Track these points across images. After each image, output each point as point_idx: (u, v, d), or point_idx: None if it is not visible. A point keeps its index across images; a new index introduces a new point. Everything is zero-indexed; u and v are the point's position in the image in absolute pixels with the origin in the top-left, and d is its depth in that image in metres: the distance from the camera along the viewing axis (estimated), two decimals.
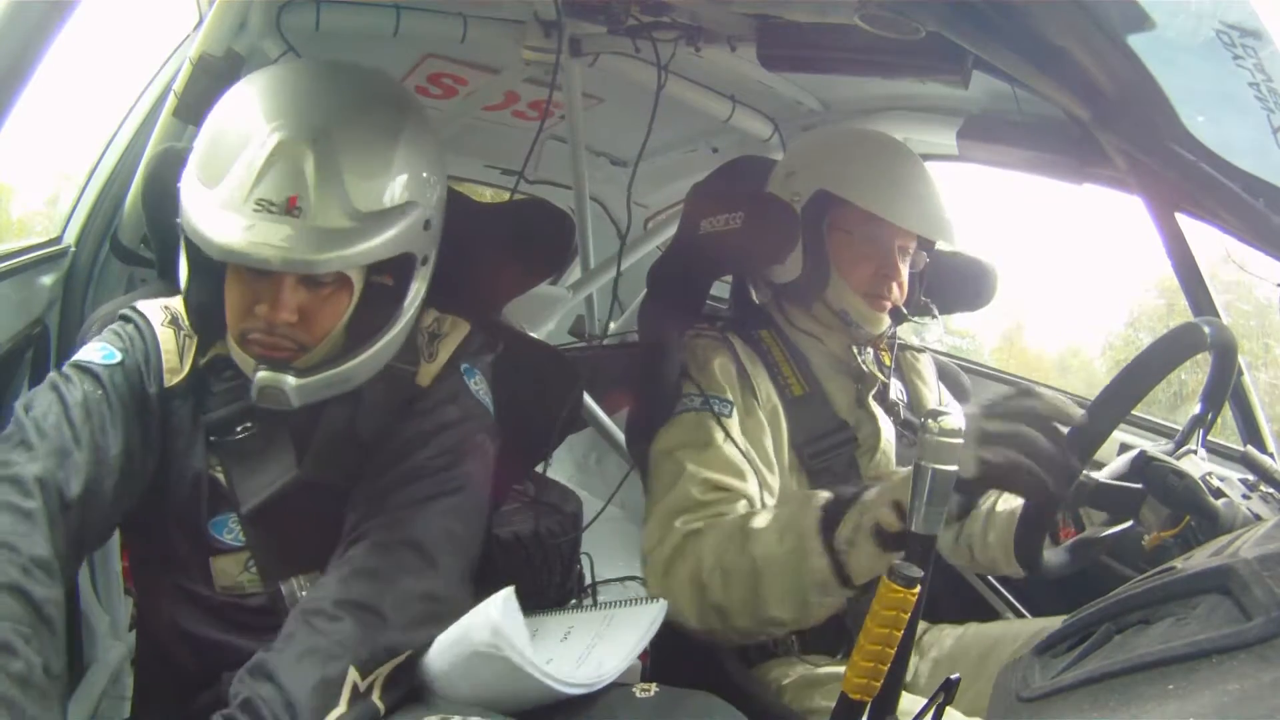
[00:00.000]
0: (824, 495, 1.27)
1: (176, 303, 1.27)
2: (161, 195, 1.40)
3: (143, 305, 1.27)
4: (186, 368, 1.23)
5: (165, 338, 1.24)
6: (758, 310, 1.69)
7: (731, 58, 1.83)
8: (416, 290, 1.23)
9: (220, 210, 1.07)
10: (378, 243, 1.11)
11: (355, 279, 1.19)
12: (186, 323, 1.25)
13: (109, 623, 1.90)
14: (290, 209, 1.07)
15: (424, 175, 1.19)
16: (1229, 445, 1.67)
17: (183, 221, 1.11)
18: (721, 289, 1.94)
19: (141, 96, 1.97)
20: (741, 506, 1.40)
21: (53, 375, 1.18)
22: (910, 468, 1.13)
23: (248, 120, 1.12)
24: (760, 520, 1.31)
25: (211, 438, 1.22)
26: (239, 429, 1.23)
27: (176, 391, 1.22)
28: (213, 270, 1.17)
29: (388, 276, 1.23)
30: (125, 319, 1.26)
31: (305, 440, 1.24)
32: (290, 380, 1.14)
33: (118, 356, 1.19)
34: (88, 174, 1.96)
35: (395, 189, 1.14)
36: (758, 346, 1.59)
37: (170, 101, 1.71)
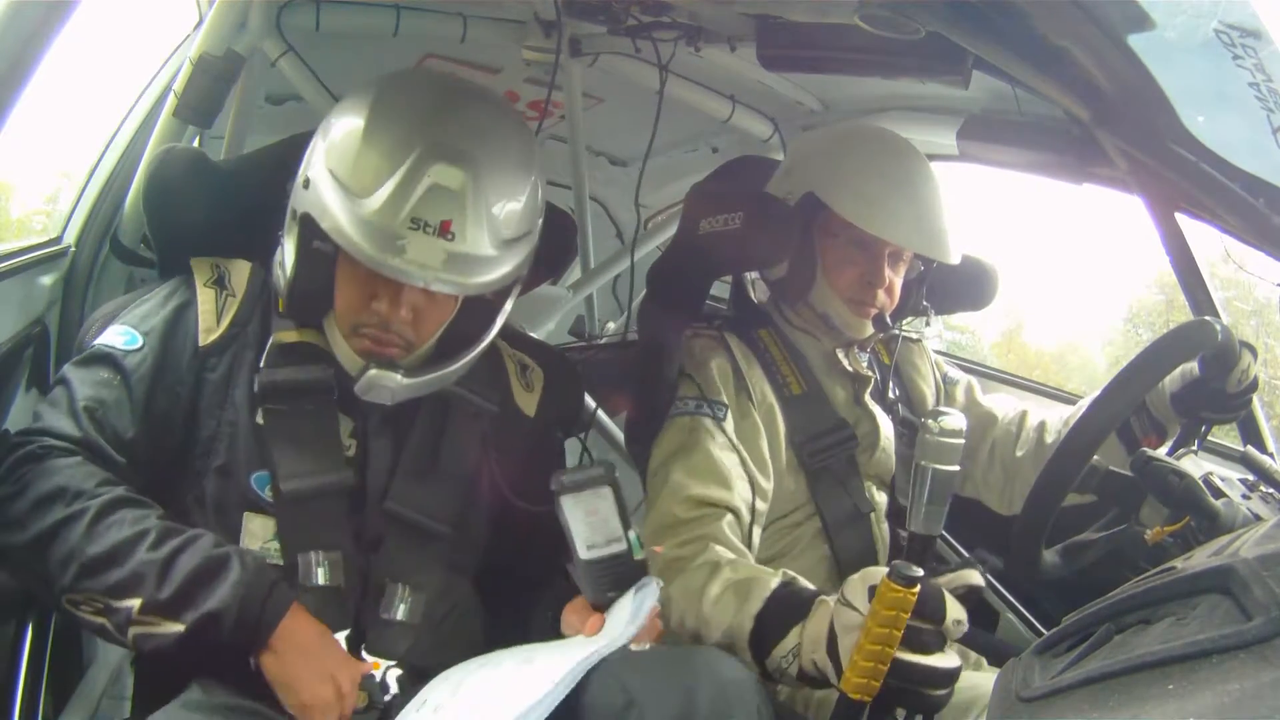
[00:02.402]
0: (758, 604, 1.27)
1: (230, 265, 1.31)
2: (163, 195, 1.40)
3: (194, 262, 1.31)
4: (223, 327, 1.26)
5: (205, 297, 1.27)
6: (757, 310, 1.69)
7: (731, 58, 1.83)
8: (508, 307, 1.32)
9: (373, 223, 1.15)
10: (510, 269, 1.23)
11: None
12: (232, 283, 1.29)
13: None
14: (444, 232, 1.15)
15: (539, 199, 1.29)
16: (1229, 445, 1.67)
17: (320, 219, 1.17)
18: (721, 289, 1.94)
19: (141, 96, 1.97)
20: (726, 523, 1.41)
21: (66, 370, 1.22)
22: (829, 616, 1.16)
23: (396, 135, 1.19)
24: (715, 589, 1.32)
25: (263, 399, 1.24)
26: (291, 404, 1.25)
27: (212, 349, 1.25)
28: (322, 263, 1.23)
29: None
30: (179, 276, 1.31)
31: (364, 440, 1.29)
32: (399, 378, 1.22)
33: (139, 341, 1.22)
34: (88, 174, 1.96)
35: (526, 217, 1.25)
36: (755, 346, 1.59)
37: (170, 101, 1.71)
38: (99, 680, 1.78)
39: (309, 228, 1.20)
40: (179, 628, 1.06)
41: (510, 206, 1.22)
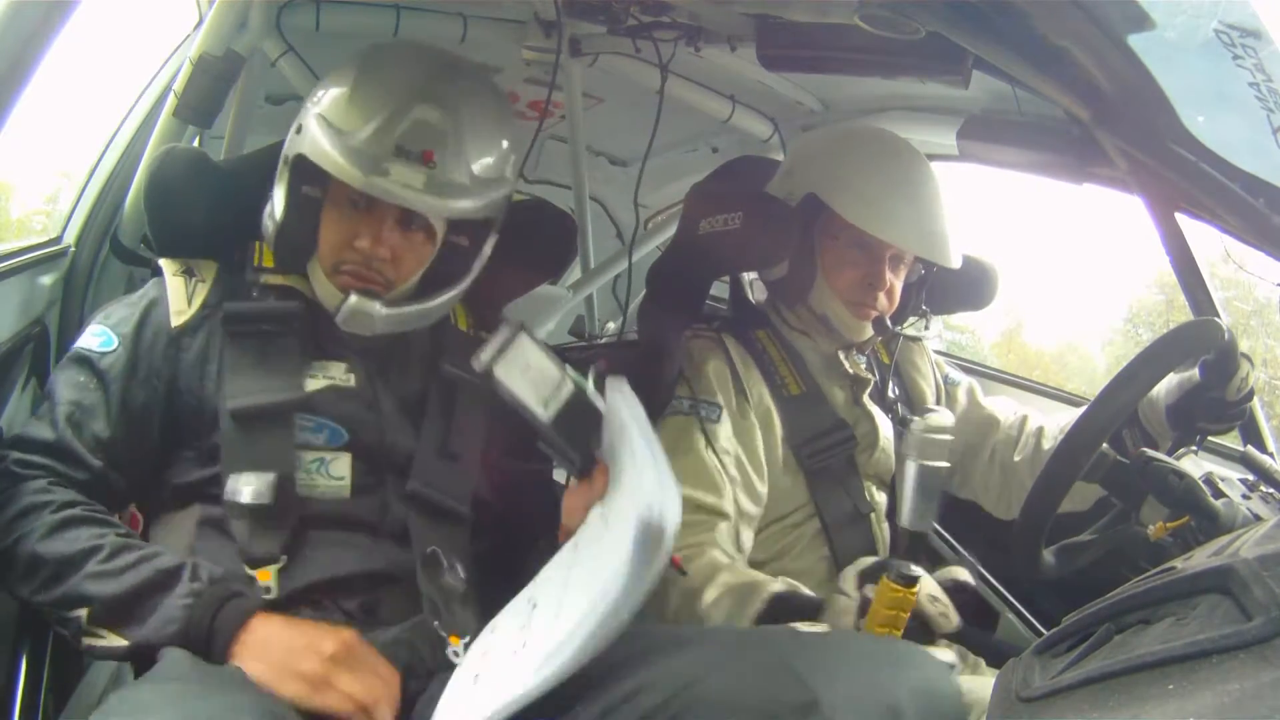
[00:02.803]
0: (757, 605, 1.26)
1: (199, 263, 1.36)
2: (164, 195, 1.40)
3: (163, 262, 1.36)
4: (194, 308, 1.30)
5: (174, 285, 1.32)
6: (755, 310, 1.69)
7: (731, 58, 1.83)
8: (485, 252, 1.38)
9: (362, 150, 1.22)
10: (484, 202, 1.29)
11: (439, 232, 1.33)
12: (201, 273, 1.34)
13: None
14: (426, 161, 1.24)
15: (513, 159, 1.37)
16: (1229, 445, 1.67)
17: (311, 153, 1.24)
18: (722, 289, 1.94)
19: (141, 96, 1.97)
20: (719, 530, 1.41)
21: (53, 373, 1.26)
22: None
23: (388, 84, 1.28)
24: (711, 592, 1.32)
25: (229, 328, 1.29)
26: (256, 334, 1.29)
27: (185, 330, 1.29)
28: (310, 209, 1.30)
29: (464, 237, 1.37)
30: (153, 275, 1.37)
31: (369, 379, 1.32)
32: (378, 307, 1.28)
33: (114, 343, 1.26)
34: (88, 174, 1.96)
35: (499, 164, 1.32)
36: (753, 347, 1.59)
37: (170, 101, 1.71)
38: (99, 680, 1.78)
39: (299, 171, 1.28)
40: (124, 641, 1.06)
41: (486, 149, 1.30)
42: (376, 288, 1.30)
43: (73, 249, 1.83)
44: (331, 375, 1.30)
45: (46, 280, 1.72)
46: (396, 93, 1.27)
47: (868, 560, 1.20)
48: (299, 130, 1.29)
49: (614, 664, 0.94)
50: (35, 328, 1.65)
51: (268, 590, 1.16)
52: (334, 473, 1.25)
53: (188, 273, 1.34)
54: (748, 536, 1.48)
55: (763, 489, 1.49)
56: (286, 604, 1.16)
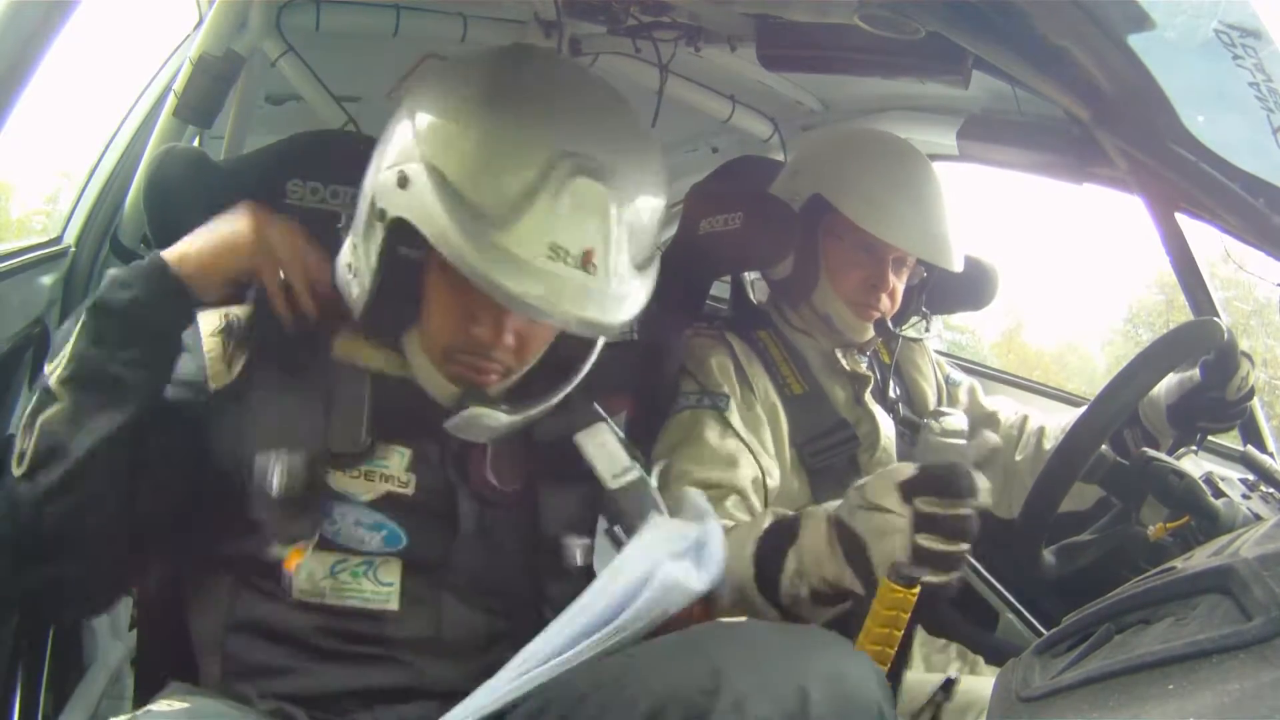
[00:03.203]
0: (752, 547, 1.22)
1: (239, 311, 1.15)
2: (164, 195, 1.40)
3: (201, 315, 1.14)
4: (235, 373, 1.11)
5: (210, 346, 1.12)
6: (756, 310, 1.69)
7: (731, 58, 1.83)
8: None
9: (508, 248, 0.96)
10: (645, 298, 1.06)
11: None
12: (242, 327, 1.13)
13: (109, 623, 1.90)
14: (586, 264, 0.98)
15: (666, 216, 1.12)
16: (1229, 445, 1.67)
17: (426, 227, 0.97)
18: (722, 289, 1.94)
19: (141, 96, 1.97)
20: (730, 503, 1.40)
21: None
22: (822, 524, 1.14)
23: (526, 135, 0.99)
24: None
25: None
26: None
27: (226, 394, 1.10)
28: (409, 271, 1.07)
29: None
30: None
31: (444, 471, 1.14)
32: (502, 416, 1.08)
33: None
34: (88, 174, 1.96)
35: (658, 238, 1.09)
36: (755, 346, 1.59)
37: (170, 101, 1.71)
38: (99, 680, 1.78)
39: (401, 233, 1.02)
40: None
41: (647, 228, 1.06)
42: (489, 381, 1.09)
43: (73, 249, 1.83)
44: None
45: (46, 280, 1.72)
46: (545, 151, 0.98)
47: (904, 468, 1.10)
48: (403, 184, 1.00)
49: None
50: (35, 328, 1.65)
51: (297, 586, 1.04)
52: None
53: (226, 332, 1.12)
54: (756, 502, 1.44)
55: (777, 473, 1.48)
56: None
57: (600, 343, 1.16)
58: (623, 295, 1.02)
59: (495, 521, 1.14)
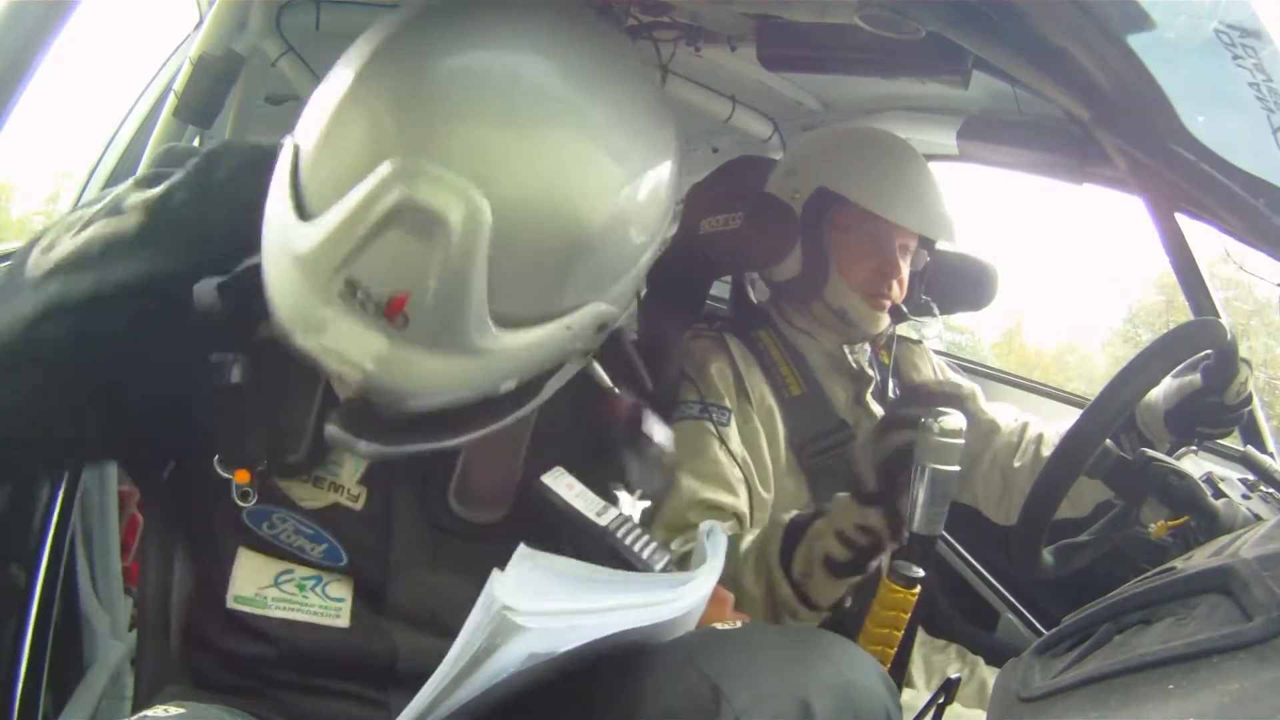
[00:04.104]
0: (785, 520, 1.29)
1: None
2: None
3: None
4: None
5: None
6: (756, 310, 1.69)
7: (731, 58, 1.83)
8: (553, 385, 0.90)
9: (300, 272, 0.74)
10: (508, 367, 0.80)
11: None
12: None
13: (109, 623, 1.90)
14: (391, 314, 0.73)
15: (626, 247, 0.83)
16: (1229, 445, 1.67)
17: (262, 241, 0.80)
18: (722, 289, 1.94)
19: (141, 96, 1.98)
20: (728, 526, 1.41)
21: None
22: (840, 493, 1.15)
23: (377, 108, 0.76)
24: (745, 542, 1.33)
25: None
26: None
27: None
28: None
29: None
30: None
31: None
32: (361, 446, 0.83)
33: None
34: (88, 174, 1.96)
35: (568, 291, 0.80)
36: (754, 347, 1.59)
37: (170, 101, 1.71)
38: (99, 680, 1.78)
39: None
40: None
41: (534, 279, 0.77)
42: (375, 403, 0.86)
43: None
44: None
45: None
46: (389, 136, 0.74)
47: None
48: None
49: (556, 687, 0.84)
50: None
51: (245, 496, 0.95)
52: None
53: None
54: (750, 524, 1.49)
55: (767, 497, 1.50)
56: None
57: (541, 395, 0.89)
58: (445, 366, 0.76)
59: (450, 553, 1.01)
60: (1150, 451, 1.27)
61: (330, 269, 0.73)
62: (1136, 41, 0.86)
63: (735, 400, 1.52)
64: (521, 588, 0.74)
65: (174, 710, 0.92)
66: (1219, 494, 1.22)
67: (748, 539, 1.34)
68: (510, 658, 0.76)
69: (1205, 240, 1.60)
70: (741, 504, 1.45)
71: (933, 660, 1.61)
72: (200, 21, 1.77)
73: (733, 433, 1.49)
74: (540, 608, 0.75)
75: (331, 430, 0.83)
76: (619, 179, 0.79)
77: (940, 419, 1.10)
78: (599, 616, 0.80)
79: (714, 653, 0.83)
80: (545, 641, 0.78)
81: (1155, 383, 1.28)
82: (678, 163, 0.87)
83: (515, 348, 0.78)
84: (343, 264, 0.73)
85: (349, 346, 0.74)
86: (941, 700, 1.03)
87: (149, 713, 0.91)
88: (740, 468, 1.47)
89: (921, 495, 1.11)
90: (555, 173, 0.76)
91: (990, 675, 1.57)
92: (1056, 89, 1.02)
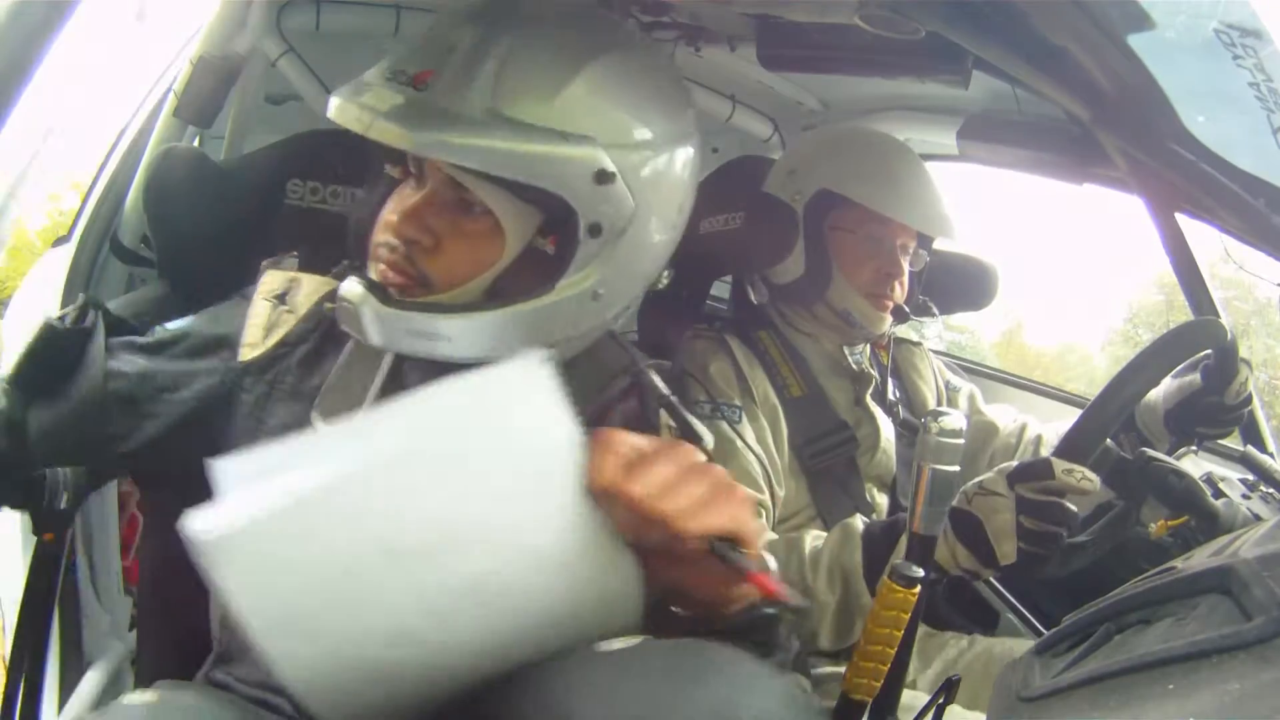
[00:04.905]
0: (858, 530, 1.30)
1: (306, 279, 1.10)
2: (164, 195, 1.40)
3: (271, 270, 1.11)
4: (269, 344, 1.05)
5: (258, 310, 1.07)
6: (756, 311, 1.69)
7: (731, 58, 1.83)
8: (581, 263, 0.95)
9: (359, 81, 0.95)
10: (502, 147, 0.89)
11: (509, 226, 0.95)
12: (301, 294, 1.08)
13: (109, 622, 1.90)
14: (417, 82, 0.91)
15: (617, 116, 0.96)
16: (1229, 445, 1.67)
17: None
18: (722, 289, 1.94)
19: (144, 100, 1.98)
20: (763, 520, 1.42)
21: None
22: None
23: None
24: (807, 543, 1.34)
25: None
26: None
27: (250, 369, 1.04)
28: (376, 188, 1.03)
29: (551, 240, 0.97)
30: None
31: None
32: (369, 309, 0.93)
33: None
34: (92, 178, 1.96)
35: (562, 109, 0.92)
36: (755, 347, 1.59)
37: (170, 101, 1.71)
38: (99, 680, 1.78)
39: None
40: None
41: (535, 79, 0.92)
42: (400, 282, 0.97)
43: (73, 249, 1.83)
44: None
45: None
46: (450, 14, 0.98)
47: (1012, 464, 1.21)
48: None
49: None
50: None
51: None
52: None
53: (279, 297, 1.07)
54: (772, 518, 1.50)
55: (781, 492, 1.50)
56: None
57: (548, 295, 0.96)
58: (450, 119, 0.90)
59: None
60: (1150, 451, 1.27)
61: (384, 66, 0.95)
62: (1136, 41, 0.86)
63: (741, 398, 1.52)
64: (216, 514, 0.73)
65: (149, 695, 0.91)
66: (1219, 494, 1.22)
67: (809, 542, 1.34)
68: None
69: (1205, 240, 1.60)
70: (767, 500, 1.46)
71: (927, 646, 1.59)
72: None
73: (746, 429, 1.49)
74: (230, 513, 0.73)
75: (347, 287, 0.96)
76: (631, 53, 1.00)
77: (940, 419, 1.10)
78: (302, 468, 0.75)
79: (577, 674, 0.75)
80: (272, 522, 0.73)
81: (1155, 383, 1.28)
82: (697, 137, 1.07)
83: (512, 137, 0.91)
84: (393, 60, 0.96)
85: (378, 101, 0.91)
86: (941, 700, 1.03)
87: (124, 699, 0.90)
88: (759, 463, 1.47)
89: (922, 496, 1.11)
90: (575, 26, 0.99)
91: (993, 646, 1.58)
92: (1056, 89, 1.02)
